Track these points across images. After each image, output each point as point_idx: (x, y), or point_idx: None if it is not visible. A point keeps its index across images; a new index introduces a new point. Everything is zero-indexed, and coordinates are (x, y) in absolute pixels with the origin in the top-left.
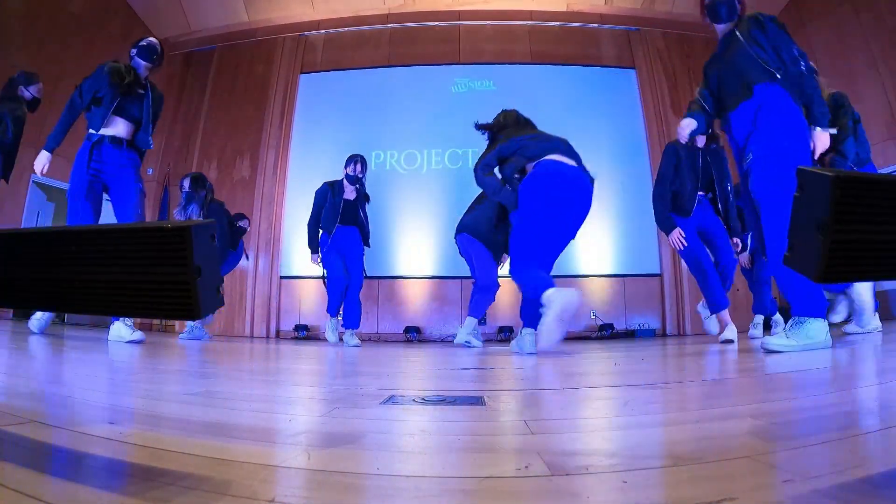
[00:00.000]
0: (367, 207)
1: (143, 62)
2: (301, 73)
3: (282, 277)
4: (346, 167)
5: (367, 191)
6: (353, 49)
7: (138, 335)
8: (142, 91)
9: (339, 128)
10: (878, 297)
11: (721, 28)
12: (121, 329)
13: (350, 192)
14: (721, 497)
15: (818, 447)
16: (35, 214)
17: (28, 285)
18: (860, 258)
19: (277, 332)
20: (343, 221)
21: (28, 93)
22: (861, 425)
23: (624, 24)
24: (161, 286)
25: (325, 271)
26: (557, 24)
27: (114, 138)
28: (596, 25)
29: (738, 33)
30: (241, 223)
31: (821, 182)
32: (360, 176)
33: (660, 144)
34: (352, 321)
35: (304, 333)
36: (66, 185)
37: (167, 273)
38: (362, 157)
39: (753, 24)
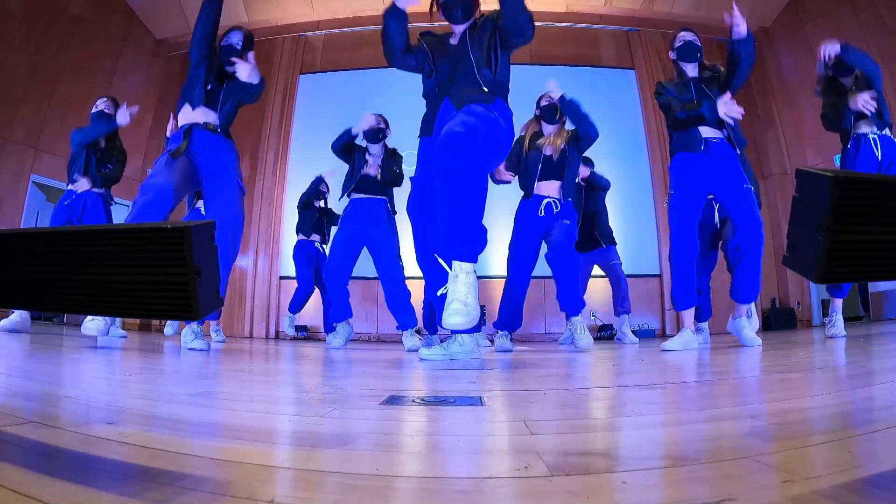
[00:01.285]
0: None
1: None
2: (300, 73)
3: (281, 278)
4: (363, 126)
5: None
6: (353, 49)
7: (200, 343)
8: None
9: (338, 128)
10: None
11: (458, 29)
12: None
13: (374, 159)
14: (721, 497)
15: (818, 447)
16: (35, 214)
17: (28, 285)
18: (860, 259)
19: (277, 332)
20: (361, 190)
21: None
22: (861, 425)
23: (623, 24)
24: (160, 287)
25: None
26: (557, 24)
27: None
28: (595, 26)
29: (468, 36)
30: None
31: (821, 182)
32: (383, 127)
33: (659, 145)
34: (403, 320)
35: (304, 334)
36: (65, 186)
37: (166, 274)
38: (378, 115)
39: (489, 25)
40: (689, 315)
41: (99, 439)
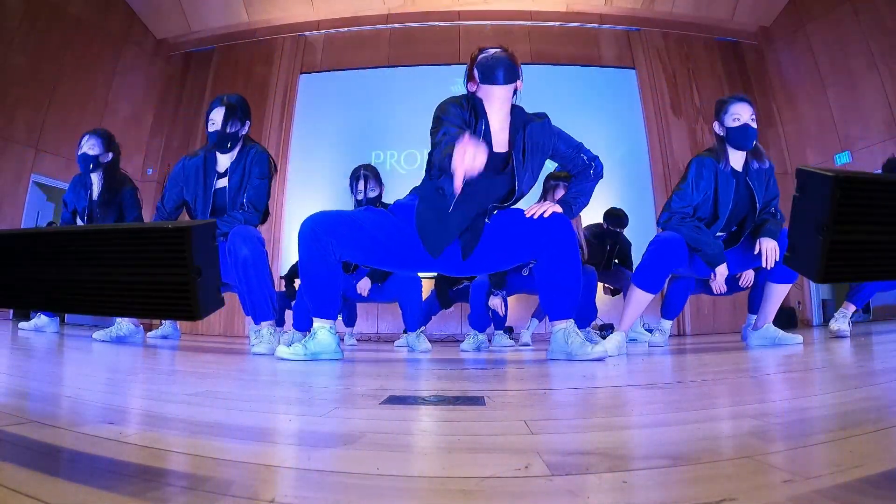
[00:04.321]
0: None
1: None
2: (301, 73)
3: (282, 277)
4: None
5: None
6: (353, 49)
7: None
8: None
9: (339, 128)
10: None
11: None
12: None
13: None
14: (721, 497)
15: (818, 447)
16: (35, 214)
17: (28, 285)
18: (860, 258)
19: None
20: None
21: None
22: (861, 425)
23: (624, 24)
24: (161, 287)
25: None
26: (557, 24)
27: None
28: (596, 26)
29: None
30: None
31: (821, 182)
32: (374, 196)
33: (660, 145)
34: (415, 321)
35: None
36: (66, 186)
37: (167, 273)
38: (367, 171)
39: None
40: (642, 304)
41: (99, 439)
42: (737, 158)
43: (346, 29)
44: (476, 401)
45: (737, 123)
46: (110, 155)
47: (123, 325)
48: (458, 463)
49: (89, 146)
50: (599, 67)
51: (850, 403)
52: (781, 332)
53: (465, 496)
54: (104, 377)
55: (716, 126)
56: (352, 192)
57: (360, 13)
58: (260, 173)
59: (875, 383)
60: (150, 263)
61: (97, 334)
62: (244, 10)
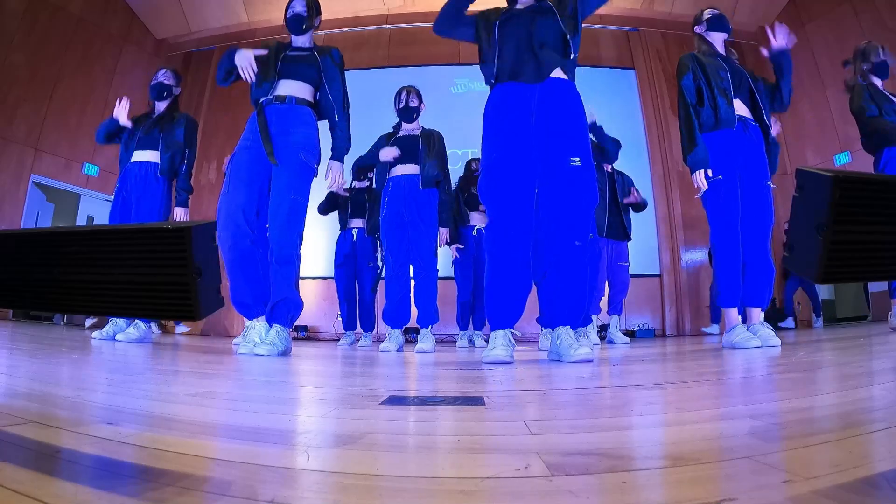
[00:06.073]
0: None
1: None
2: None
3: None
4: (395, 105)
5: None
6: (353, 49)
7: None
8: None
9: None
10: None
11: None
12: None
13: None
14: (721, 497)
15: (818, 447)
16: (35, 214)
17: (28, 285)
18: (860, 259)
19: None
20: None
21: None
22: (861, 425)
23: (623, 24)
24: (161, 287)
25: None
26: None
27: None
28: (595, 26)
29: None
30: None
31: (820, 182)
32: (415, 105)
33: (660, 145)
34: (429, 316)
35: (304, 333)
36: (65, 186)
37: (167, 274)
38: (410, 87)
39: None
40: (734, 314)
41: (99, 439)
42: (719, 43)
43: (346, 29)
44: (476, 401)
45: (712, 15)
46: (179, 90)
47: (141, 325)
48: (458, 463)
49: (165, 76)
50: (599, 68)
51: (850, 403)
52: (765, 333)
53: (465, 496)
54: (104, 377)
55: (697, 28)
56: (395, 105)
57: (360, 13)
58: (339, 74)
59: (875, 383)
60: (150, 263)
61: (120, 336)
62: (244, 10)
